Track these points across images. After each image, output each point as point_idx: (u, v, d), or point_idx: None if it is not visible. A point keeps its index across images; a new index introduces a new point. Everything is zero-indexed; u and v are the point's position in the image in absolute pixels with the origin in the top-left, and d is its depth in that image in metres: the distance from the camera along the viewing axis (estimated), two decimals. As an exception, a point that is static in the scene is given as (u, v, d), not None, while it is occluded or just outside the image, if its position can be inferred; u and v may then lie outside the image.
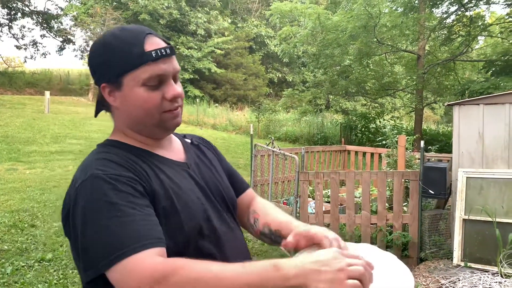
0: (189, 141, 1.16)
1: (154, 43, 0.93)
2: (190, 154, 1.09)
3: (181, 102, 0.99)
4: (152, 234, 0.80)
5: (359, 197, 4.94)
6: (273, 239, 1.07)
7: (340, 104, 23.96)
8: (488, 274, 3.49)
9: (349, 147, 8.75)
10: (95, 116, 1.07)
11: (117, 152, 0.93)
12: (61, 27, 29.04)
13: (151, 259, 0.76)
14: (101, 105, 1.02)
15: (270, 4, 20.53)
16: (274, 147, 5.85)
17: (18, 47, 28.83)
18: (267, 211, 1.14)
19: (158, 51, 0.92)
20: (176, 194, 0.93)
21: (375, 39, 12.38)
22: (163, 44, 0.95)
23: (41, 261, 4.08)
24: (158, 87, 0.93)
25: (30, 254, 4.25)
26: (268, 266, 0.74)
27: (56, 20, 28.72)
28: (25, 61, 31.35)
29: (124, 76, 0.92)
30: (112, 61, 0.93)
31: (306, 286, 0.71)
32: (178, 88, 0.96)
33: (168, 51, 0.94)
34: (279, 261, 0.75)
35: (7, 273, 3.75)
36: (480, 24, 12.74)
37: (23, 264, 3.98)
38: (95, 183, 0.83)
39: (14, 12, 27.85)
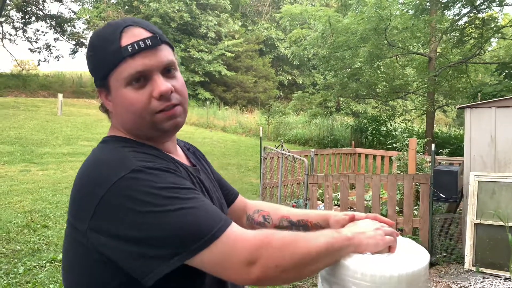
0: (184, 146, 1.11)
1: (133, 36, 0.82)
2: (193, 161, 1.05)
3: (180, 99, 0.87)
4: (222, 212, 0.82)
5: (369, 201, 4.90)
6: (294, 230, 1.05)
7: (351, 107, 23.86)
8: (500, 279, 3.44)
9: (359, 150, 8.69)
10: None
11: (140, 145, 0.87)
12: (74, 30, 29.55)
13: (243, 230, 0.78)
14: (105, 110, 0.95)
15: (281, 6, 20.58)
16: (283, 150, 5.85)
17: (32, 50, 29.38)
18: (274, 207, 1.14)
19: (135, 44, 0.81)
20: (205, 191, 0.92)
21: (386, 42, 12.30)
22: (144, 35, 0.83)
23: (53, 262, 4.14)
24: (144, 85, 0.83)
25: (42, 254, 4.31)
26: (333, 231, 0.86)
27: (69, 23, 29.19)
28: (39, 64, 32.05)
29: (108, 77, 0.84)
30: (96, 63, 0.86)
31: (360, 242, 0.86)
32: (165, 84, 0.83)
33: (148, 42, 0.82)
34: (337, 230, 0.89)
35: (20, 273, 3.81)
36: (493, 26, 12.58)
37: (35, 264, 4.04)
38: (152, 173, 0.76)
39: (28, 16, 28.37)
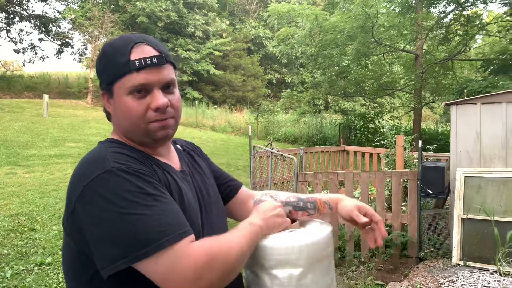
0: (180, 147, 1.16)
1: (142, 52, 0.92)
2: (184, 162, 1.10)
3: (174, 113, 0.97)
4: (186, 222, 0.86)
5: (358, 197, 4.94)
6: (300, 205, 1.10)
7: (339, 105, 24.00)
8: (487, 272, 3.49)
9: (348, 148, 8.75)
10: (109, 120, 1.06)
11: (129, 149, 0.94)
12: (59, 30, 29.14)
13: (197, 244, 0.83)
14: (107, 112, 1.03)
15: (268, 5, 20.56)
16: (272, 148, 5.85)
17: (16, 51, 28.89)
18: (284, 192, 1.18)
19: (142, 60, 0.91)
20: (181, 198, 0.95)
21: (373, 39, 12.40)
22: (152, 53, 0.93)
23: (41, 265, 4.08)
24: (144, 96, 0.92)
25: (30, 258, 4.25)
26: (246, 224, 0.95)
27: (54, 23, 28.78)
28: (24, 65, 31.42)
29: (114, 84, 0.93)
30: (105, 69, 0.95)
31: (269, 226, 0.97)
32: (162, 98, 0.93)
33: (154, 60, 0.92)
34: (248, 219, 0.97)
35: (7, 277, 3.75)
36: (477, 23, 12.76)
37: (22, 268, 3.98)
38: (121, 175, 0.83)
39: (12, 16, 27.89)
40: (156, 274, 0.79)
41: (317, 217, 1.09)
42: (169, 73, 0.96)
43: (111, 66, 0.93)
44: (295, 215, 1.08)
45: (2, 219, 5.41)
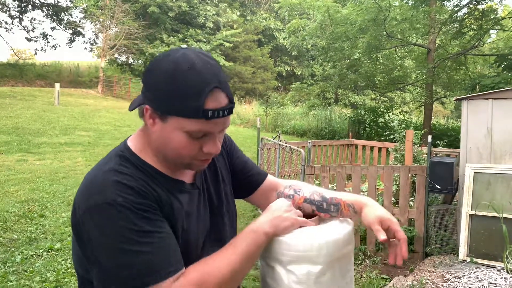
0: None
1: (216, 100, 0.86)
2: (202, 173, 1.08)
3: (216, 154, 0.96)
4: (178, 258, 0.87)
5: (366, 192, 4.92)
6: (324, 207, 1.06)
7: (349, 98, 23.83)
8: (494, 270, 3.47)
9: (356, 141, 8.70)
10: (130, 110, 0.96)
11: (135, 175, 0.91)
12: (71, 19, 29.24)
13: (180, 281, 0.84)
14: (140, 110, 0.94)
15: (279, -4, 20.36)
16: (280, 141, 5.85)
17: (28, 39, 29.11)
18: (310, 185, 1.15)
19: (216, 112, 0.86)
20: (183, 224, 0.95)
21: (385, 33, 12.25)
22: (225, 103, 0.87)
23: (50, 251, 4.15)
24: (200, 138, 0.90)
25: (39, 243, 4.33)
26: (249, 232, 0.93)
27: (66, 12, 28.90)
28: (36, 53, 31.65)
29: (172, 116, 0.87)
30: (167, 97, 0.86)
31: (278, 229, 0.95)
32: (218, 146, 0.93)
33: (226, 112, 0.88)
34: (251, 226, 0.95)
35: (17, 262, 3.83)
36: (492, 17, 12.51)
37: (32, 253, 4.05)
38: (120, 211, 0.83)
39: (24, 4, 28.07)
40: None
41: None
42: (229, 121, 0.93)
43: (179, 102, 0.85)
44: (317, 214, 1.06)
45: (13, 205, 5.50)
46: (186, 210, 0.96)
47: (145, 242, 0.83)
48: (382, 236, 0.97)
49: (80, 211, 0.86)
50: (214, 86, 0.86)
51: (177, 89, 0.84)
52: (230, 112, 0.90)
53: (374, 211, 1.03)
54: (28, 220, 4.99)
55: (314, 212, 1.06)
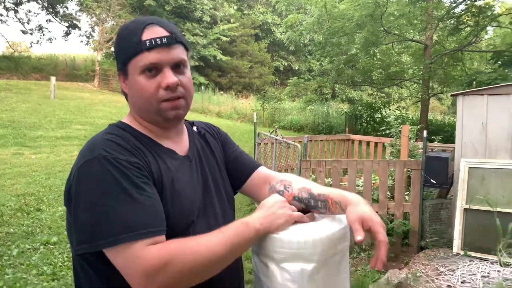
0: (196, 130, 1.17)
1: (153, 32, 0.95)
2: (194, 146, 1.10)
3: (184, 93, 0.99)
4: (158, 222, 0.86)
5: (361, 186, 4.95)
6: (311, 204, 1.05)
7: (346, 93, 23.86)
8: (487, 262, 3.51)
9: (353, 137, 8.73)
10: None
11: (125, 136, 0.95)
12: (67, 12, 29.00)
13: (156, 247, 0.82)
14: (124, 92, 1.05)
15: (277, -9, 20.27)
16: (277, 135, 5.86)
17: (24, 32, 28.86)
18: (301, 179, 1.14)
19: (152, 40, 0.94)
20: (172, 187, 0.95)
21: (382, 28, 12.24)
22: (163, 34, 0.96)
23: (46, 244, 4.16)
24: (155, 75, 0.95)
25: (36, 237, 4.33)
26: (240, 224, 0.92)
27: (61, 4, 28.63)
28: (31, 46, 31.43)
29: (128, 64, 0.97)
30: (120, 50, 0.99)
31: (270, 226, 0.94)
32: (172, 77, 0.95)
33: (164, 40, 0.95)
34: (245, 219, 0.94)
35: (13, 255, 3.83)
36: (489, 14, 12.53)
37: (28, 247, 4.06)
38: (103, 164, 0.85)
39: (20, -4, 27.77)
40: (116, 265, 0.83)
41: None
42: (180, 53, 0.98)
43: (125, 47, 0.97)
44: (308, 210, 1.05)
45: (9, 198, 5.49)
46: (175, 175, 0.97)
47: (124, 200, 0.83)
48: (358, 236, 0.89)
49: (72, 174, 0.89)
50: (149, 23, 0.96)
51: (122, 39, 0.98)
52: (170, 41, 0.96)
53: (357, 209, 0.96)
54: (25, 214, 4.99)
55: (304, 209, 1.05)
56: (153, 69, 0.95)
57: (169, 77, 0.95)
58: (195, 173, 1.04)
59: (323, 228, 0.94)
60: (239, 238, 0.90)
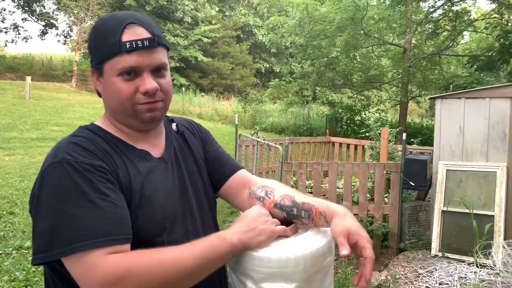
0: (174, 127, 1.10)
1: (134, 33, 0.89)
2: (171, 146, 1.04)
3: (163, 97, 0.94)
4: (120, 230, 0.80)
5: (342, 188, 4.98)
6: (294, 213, 0.97)
7: (327, 96, 24.03)
8: (464, 264, 3.57)
9: (333, 139, 8.79)
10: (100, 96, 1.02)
11: (93, 138, 0.90)
12: (44, 10, 28.35)
13: (115, 257, 0.77)
14: (97, 91, 0.99)
15: (259, -7, 20.31)
16: (258, 137, 5.84)
17: (-2, 30, 28.05)
18: (283, 186, 1.06)
19: (133, 42, 0.88)
20: (141, 191, 0.89)
21: (362, 32, 12.40)
22: (144, 35, 0.90)
23: (19, 249, 4.02)
24: (134, 78, 0.90)
25: (8, 241, 4.18)
26: (214, 238, 0.85)
27: (38, 3, 27.99)
28: (6, 45, 30.53)
29: (104, 63, 0.91)
30: (96, 47, 0.92)
31: (250, 242, 0.86)
32: (152, 83, 0.90)
33: (146, 43, 0.89)
34: (222, 232, 0.88)
35: (-16, 261, 3.69)
36: (466, 19, 12.87)
37: (0, 252, 3.91)
38: (65, 169, 0.81)
39: (-6, -6, 27.01)
40: (72, 274, 0.79)
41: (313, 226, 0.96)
42: (161, 56, 0.93)
43: (102, 45, 0.90)
44: (290, 221, 0.98)
45: (-20, 201, 5.29)
46: (146, 178, 0.92)
47: (83, 205, 0.78)
48: (344, 251, 0.83)
49: (36, 180, 0.85)
50: (129, 22, 0.90)
51: (99, 35, 0.92)
52: (152, 44, 0.90)
53: (343, 222, 0.89)
54: (-4, 218, 4.82)
55: (286, 218, 0.98)
56: (132, 72, 0.89)
57: (148, 83, 0.90)
58: (171, 176, 0.98)
59: (307, 244, 0.87)
60: (212, 253, 0.83)
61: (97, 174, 0.83)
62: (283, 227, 0.93)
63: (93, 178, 0.82)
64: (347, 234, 0.87)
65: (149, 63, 0.90)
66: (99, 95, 0.99)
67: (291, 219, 0.98)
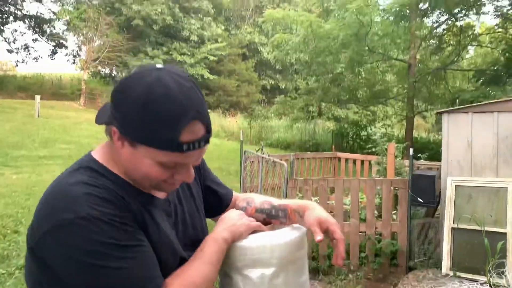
0: None
1: (192, 133, 0.79)
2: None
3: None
4: (157, 269, 0.85)
5: (349, 205, 4.90)
6: (272, 214, 1.09)
7: (332, 112, 24.01)
8: (477, 283, 3.46)
9: (339, 154, 8.73)
10: (97, 123, 0.89)
11: (106, 186, 0.84)
12: (54, 31, 28.96)
13: None
14: (107, 129, 0.87)
15: (263, 11, 20.59)
16: (263, 153, 5.81)
17: (9, 51, 28.67)
18: (262, 196, 1.19)
19: (191, 144, 0.80)
20: (157, 235, 0.90)
21: (367, 48, 12.44)
22: (202, 133, 0.81)
23: (22, 269, 3.97)
24: (172, 167, 0.84)
25: (11, 261, 4.14)
26: (211, 242, 0.94)
27: (48, 24, 28.62)
28: (17, 65, 31.15)
29: (143, 145, 0.80)
30: (138, 126, 0.78)
31: (235, 235, 0.96)
32: (192, 173, 0.88)
33: (202, 144, 0.82)
34: (211, 235, 0.96)
35: (-14, 281, 3.65)
36: (470, 33, 12.88)
37: (3, 271, 3.87)
38: (95, 224, 0.77)
39: (6, 15, 27.70)
40: None
41: (291, 224, 1.09)
42: (204, 152, 0.88)
43: (151, 132, 0.78)
44: (269, 222, 1.09)
45: (-15, 220, 5.28)
46: (158, 223, 0.91)
47: (127, 257, 0.78)
48: (318, 237, 0.99)
49: (41, 231, 0.78)
50: (193, 118, 0.79)
51: (149, 119, 0.77)
52: (207, 142, 0.84)
53: (313, 213, 1.05)
54: (1, 237, 4.79)
55: (266, 219, 1.09)
56: (174, 165, 0.84)
57: (188, 176, 0.88)
58: (172, 219, 0.98)
59: (281, 235, 1.00)
60: (218, 254, 0.92)
61: (127, 224, 0.82)
62: (258, 223, 1.04)
63: (126, 228, 0.81)
64: (319, 223, 1.02)
65: (196, 161, 0.86)
66: (109, 138, 0.87)
67: (270, 220, 1.10)
